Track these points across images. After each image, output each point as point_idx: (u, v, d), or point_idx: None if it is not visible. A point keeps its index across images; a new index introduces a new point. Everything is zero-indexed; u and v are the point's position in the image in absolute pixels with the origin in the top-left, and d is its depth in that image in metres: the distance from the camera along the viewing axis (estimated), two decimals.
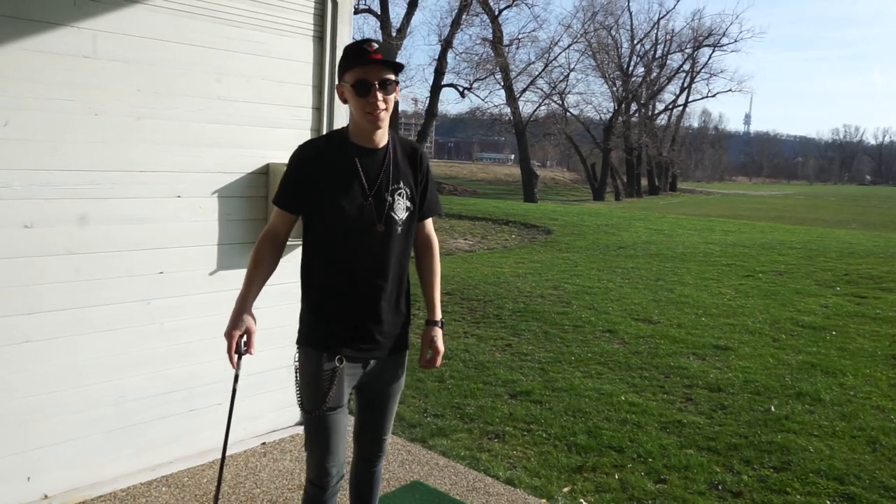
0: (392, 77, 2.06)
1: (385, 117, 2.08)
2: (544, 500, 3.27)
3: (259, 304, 3.54)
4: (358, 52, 2.03)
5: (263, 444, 3.59)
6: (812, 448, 3.91)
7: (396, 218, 2.16)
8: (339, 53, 3.66)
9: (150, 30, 3.00)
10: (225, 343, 2.10)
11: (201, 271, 3.29)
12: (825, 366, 5.39)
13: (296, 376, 2.22)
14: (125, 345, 3.06)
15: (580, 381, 4.99)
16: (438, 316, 2.38)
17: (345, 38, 3.70)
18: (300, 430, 3.74)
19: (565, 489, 3.42)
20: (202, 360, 3.32)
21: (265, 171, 3.47)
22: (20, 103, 2.67)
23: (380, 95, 2.02)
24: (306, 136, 3.62)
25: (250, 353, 2.13)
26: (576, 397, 4.68)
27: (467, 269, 9.56)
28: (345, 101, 2.11)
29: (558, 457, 3.79)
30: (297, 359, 2.22)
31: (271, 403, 3.66)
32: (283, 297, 3.70)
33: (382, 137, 2.14)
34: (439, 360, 2.38)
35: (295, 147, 2.18)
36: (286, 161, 3.44)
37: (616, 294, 8.01)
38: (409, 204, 2.19)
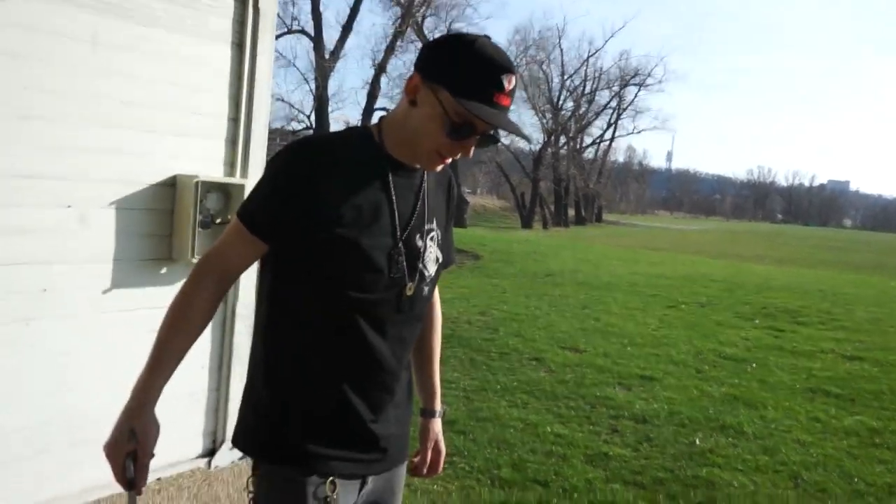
0: (495, 136, 1.45)
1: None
2: None
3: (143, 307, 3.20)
4: (487, 82, 1.32)
5: (158, 479, 3.26)
6: (736, 483, 3.85)
7: (427, 274, 1.50)
8: (260, 62, 3.44)
9: (43, 22, 2.70)
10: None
11: (92, 290, 2.97)
12: (747, 398, 5.41)
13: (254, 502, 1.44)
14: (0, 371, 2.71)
15: (506, 411, 4.83)
16: (440, 405, 1.76)
17: (266, 48, 3.48)
18: (201, 463, 3.43)
19: None
20: (90, 387, 2.97)
21: (172, 182, 3.19)
22: None
23: (472, 148, 1.40)
24: (220, 147, 3.37)
25: (138, 492, 1.36)
26: (501, 428, 4.51)
27: None
28: (412, 102, 1.37)
29: (481, 492, 3.60)
30: (254, 485, 1.43)
31: (169, 434, 3.31)
32: None
33: None
34: (442, 464, 1.77)
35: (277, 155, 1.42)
36: (194, 173, 3.25)
37: (543, 321, 7.94)
38: (439, 254, 1.53)
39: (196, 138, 3.28)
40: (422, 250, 1.47)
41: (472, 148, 1.39)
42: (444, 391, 5.14)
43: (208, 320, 1.43)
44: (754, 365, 6.44)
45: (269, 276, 1.43)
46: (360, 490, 1.48)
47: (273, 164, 1.40)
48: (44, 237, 2.80)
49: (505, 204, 58.27)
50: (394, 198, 1.41)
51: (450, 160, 1.42)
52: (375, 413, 1.45)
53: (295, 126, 30.87)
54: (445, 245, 1.57)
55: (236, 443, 1.51)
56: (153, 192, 3.13)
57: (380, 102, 30.93)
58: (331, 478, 1.40)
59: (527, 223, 43.58)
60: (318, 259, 1.36)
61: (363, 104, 30.77)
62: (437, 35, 30.32)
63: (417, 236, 1.46)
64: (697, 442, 4.44)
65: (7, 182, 2.67)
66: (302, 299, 1.40)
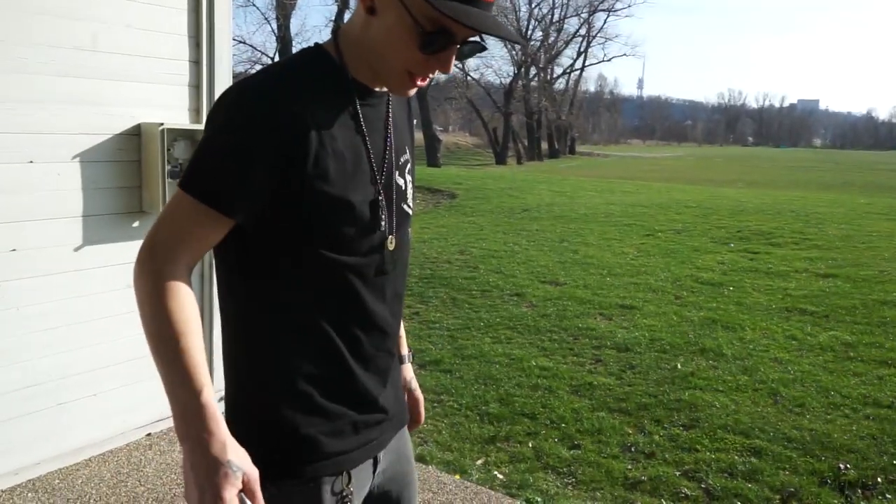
0: (481, 43, 1.15)
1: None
2: (457, 476, 3.12)
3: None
4: None
5: (148, 435, 3.25)
6: (718, 404, 3.94)
7: (410, 213, 1.29)
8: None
9: None
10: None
11: (64, 247, 2.89)
12: (725, 321, 5.50)
13: None
14: None
15: (490, 348, 4.88)
16: (406, 348, 1.51)
17: None
18: None
19: (479, 462, 3.29)
20: (69, 346, 2.93)
21: (136, 132, 3.07)
22: None
23: (451, 61, 1.12)
24: (183, 92, 3.24)
25: None
26: (486, 364, 4.56)
27: None
28: (370, 10, 1.10)
29: (470, 428, 3.65)
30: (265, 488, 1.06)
31: (156, 389, 3.30)
32: None
33: None
34: (423, 412, 1.54)
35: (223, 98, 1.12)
36: (159, 121, 3.12)
37: (522, 257, 7.96)
38: (413, 186, 1.31)
39: (158, 84, 3.14)
40: (403, 187, 1.26)
41: (452, 61, 1.12)
42: (429, 332, 5.21)
43: (195, 303, 1.09)
44: (731, 288, 6.54)
45: (232, 258, 1.15)
46: (374, 470, 1.30)
47: (225, 116, 1.09)
48: (8, 195, 2.69)
49: (478, 141, 57.85)
50: (366, 134, 1.17)
51: (426, 81, 1.17)
52: (384, 384, 1.27)
53: (258, 68, 30.01)
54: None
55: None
56: (118, 143, 3.02)
57: None
58: (342, 473, 1.20)
59: (501, 159, 43.38)
60: (303, 227, 1.10)
61: None
62: None
63: (396, 174, 1.24)
64: (679, 366, 4.52)
65: None
66: (285, 280, 1.14)
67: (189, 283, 1.08)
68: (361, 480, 1.25)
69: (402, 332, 1.48)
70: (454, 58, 1.12)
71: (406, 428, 1.41)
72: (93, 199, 2.96)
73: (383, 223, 1.18)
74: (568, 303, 6.02)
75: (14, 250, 2.73)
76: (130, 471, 2.96)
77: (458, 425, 3.68)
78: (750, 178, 28.72)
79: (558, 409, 3.87)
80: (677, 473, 3.21)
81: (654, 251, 8.33)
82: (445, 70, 1.13)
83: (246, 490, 0.97)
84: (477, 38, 1.12)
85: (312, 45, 1.20)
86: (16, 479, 2.79)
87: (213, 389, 1.01)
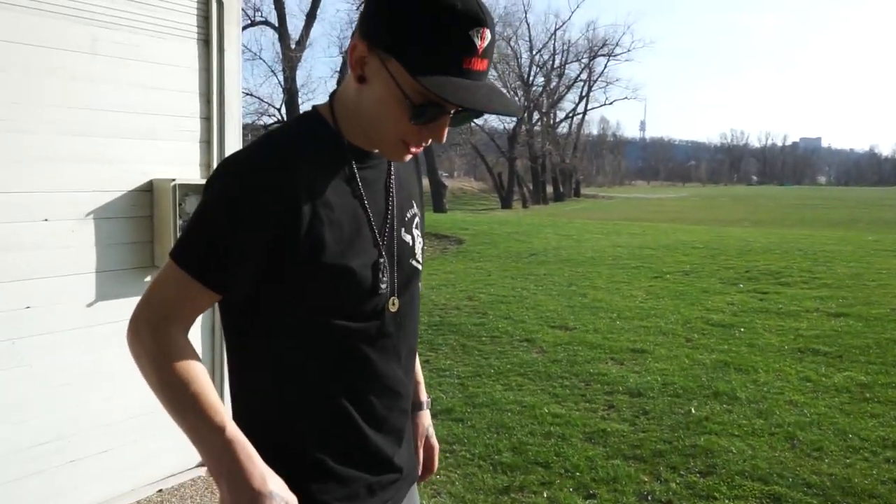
0: (476, 110, 1.08)
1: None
2: None
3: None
4: (455, 44, 1.00)
5: (160, 490, 3.22)
6: (734, 449, 3.88)
7: (419, 267, 1.28)
8: (228, 57, 3.37)
9: (2, 31, 2.61)
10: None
11: (77, 303, 2.91)
12: (738, 363, 5.45)
13: None
14: None
15: (501, 395, 4.83)
16: (425, 395, 1.50)
17: (233, 41, 3.41)
18: (202, 471, 3.39)
19: None
20: (79, 402, 2.93)
21: (148, 188, 3.12)
22: None
23: (445, 130, 1.10)
24: (194, 148, 3.31)
25: None
26: (498, 412, 4.51)
27: None
28: (360, 79, 1.08)
29: (483, 478, 3.59)
30: None
31: (167, 444, 3.29)
32: None
33: None
34: (437, 461, 1.52)
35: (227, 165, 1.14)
36: (171, 177, 3.17)
37: (531, 302, 7.94)
38: (421, 240, 1.30)
39: (169, 141, 3.21)
40: (410, 243, 1.25)
41: (446, 130, 1.10)
42: (440, 380, 5.17)
43: (192, 349, 1.11)
44: (742, 329, 6.49)
45: (234, 319, 1.16)
46: None
47: (218, 187, 1.08)
48: (23, 252, 2.73)
49: (483, 185, 58.30)
50: (364, 198, 1.16)
51: (420, 149, 1.15)
52: (399, 443, 1.26)
53: (266, 120, 30.53)
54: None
55: None
56: (131, 199, 3.07)
57: None
58: None
59: (506, 203, 43.64)
60: (299, 296, 1.10)
61: None
62: None
63: (402, 230, 1.23)
64: (693, 411, 4.47)
65: None
66: (288, 345, 1.14)
67: (186, 338, 1.10)
68: None
69: (420, 378, 1.47)
70: (450, 125, 1.10)
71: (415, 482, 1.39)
72: (106, 255, 2.99)
73: (383, 286, 1.17)
74: (578, 348, 5.98)
75: (28, 307, 2.75)
76: None
77: (472, 476, 3.63)
78: (756, 217, 28.76)
79: (572, 457, 3.81)
80: None
81: (663, 293, 8.30)
82: (438, 139, 1.11)
83: None
84: (469, 110, 1.07)
85: (310, 108, 1.21)
86: None
87: (234, 425, 1.02)
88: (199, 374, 1.05)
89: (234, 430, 1.00)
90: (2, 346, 2.69)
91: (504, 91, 1.14)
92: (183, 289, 1.08)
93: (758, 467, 3.64)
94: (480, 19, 1.00)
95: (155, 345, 1.07)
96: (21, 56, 2.67)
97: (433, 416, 4.50)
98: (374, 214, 1.17)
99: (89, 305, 2.95)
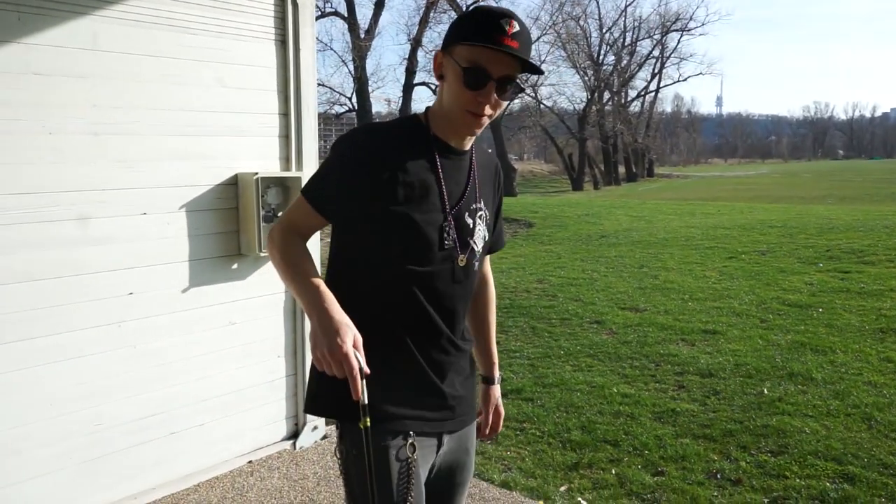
0: (516, 77, 1.49)
1: (485, 124, 1.53)
2: (541, 502, 3.19)
3: (236, 319, 3.42)
4: (488, 27, 1.42)
5: (250, 462, 3.48)
6: (808, 429, 3.86)
7: (476, 249, 1.62)
8: (304, 55, 3.56)
9: (103, 42, 2.86)
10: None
11: (173, 289, 3.17)
12: (814, 344, 5.36)
13: (343, 469, 1.55)
14: (97, 371, 2.93)
15: (571, 376, 4.92)
16: (498, 372, 1.91)
17: (308, 40, 3.59)
18: (286, 445, 3.63)
19: (562, 488, 3.35)
20: (179, 380, 3.20)
21: (234, 181, 3.35)
22: None
23: (493, 97, 1.46)
24: (274, 143, 3.52)
25: (366, 371, 1.37)
26: (567, 392, 4.61)
27: None
28: (440, 77, 1.52)
29: (553, 455, 3.71)
30: (339, 452, 1.56)
31: (255, 420, 3.55)
32: (262, 310, 3.59)
33: (470, 140, 1.61)
34: (501, 424, 1.92)
35: (336, 139, 1.57)
36: (254, 170, 3.40)
37: (601, 284, 7.95)
38: (486, 232, 1.65)
39: (252, 137, 3.42)
40: (471, 227, 1.59)
41: (494, 97, 1.46)
42: (510, 361, 5.31)
43: (307, 249, 1.55)
44: (820, 310, 6.35)
45: (334, 244, 1.59)
46: (438, 450, 1.62)
47: (335, 149, 1.54)
48: (126, 244, 3.00)
49: (553, 167, 57.71)
50: (441, 177, 1.54)
51: (485, 118, 1.49)
52: (440, 374, 1.59)
53: (338, 109, 31.20)
54: (495, 228, 1.73)
55: (310, 409, 1.61)
56: (218, 192, 3.30)
57: (418, 77, 30.99)
58: (410, 439, 1.51)
59: (577, 185, 43.11)
60: (375, 234, 1.49)
61: (402, 80, 30.83)
62: (469, 1, 29.68)
63: (466, 214, 1.58)
64: (765, 391, 4.45)
65: (89, 196, 2.87)
66: (363, 270, 1.53)
67: (302, 243, 1.55)
68: (425, 454, 1.57)
69: (495, 358, 1.90)
70: (498, 95, 1.46)
71: (473, 426, 1.74)
72: (197, 245, 3.24)
73: (447, 242, 1.54)
74: (649, 329, 5.99)
75: (131, 294, 3.02)
76: (235, 496, 3.18)
77: (541, 452, 3.75)
78: (841, 193, 27.54)
79: (641, 435, 3.88)
80: (766, 500, 3.18)
81: (737, 274, 8.16)
82: (490, 103, 1.46)
83: (356, 345, 1.36)
84: (514, 75, 1.47)
85: (413, 114, 1.66)
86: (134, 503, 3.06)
87: (326, 287, 1.44)
88: (305, 259, 1.51)
89: (324, 290, 1.42)
90: (110, 329, 2.97)
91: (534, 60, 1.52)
92: (303, 211, 1.55)
93: (832, 447, 3.62)
94: (509, 13, 1.45)
95: (281, 241, 1.53)
96: (121, 63, 2.92)
97: (503, 395, 4.65)
98: (447, 191, 1.54)
99: (184, 291, 3.21)
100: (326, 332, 1.35)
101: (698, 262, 9.09)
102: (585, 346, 5.60)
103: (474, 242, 1.60)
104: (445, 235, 1.53)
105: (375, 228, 1.49)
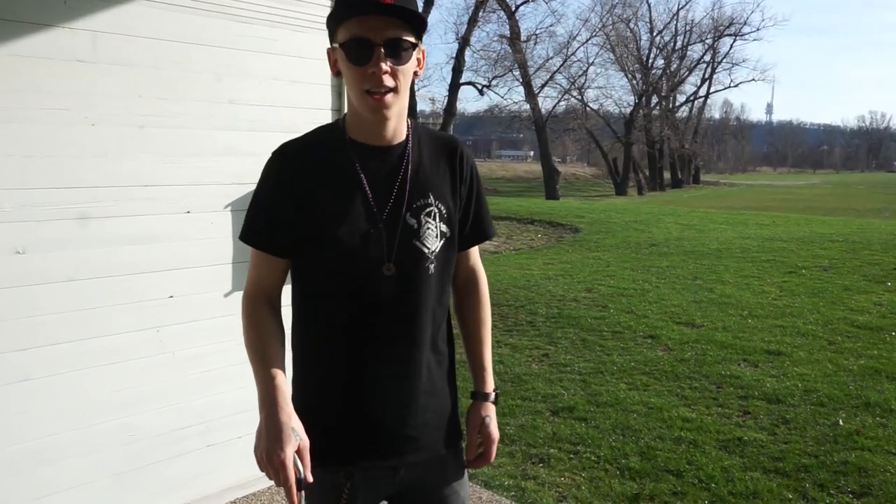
0: (408, 38, 1.34)
1: (393, 101, 1.36)
2: None
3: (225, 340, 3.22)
4: None
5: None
6: (892, 468, 3.52)
7: (426, 250, 1.44)
8: None
9: (150, 29, 2.71)
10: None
11: (216, 293, 3.00)
12: (890, 371, 4.98)
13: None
14: (134, 378, 2.77)
15: (626, 394, 4.64)
16: (491, 386, 1.62)
17: None
18: None
19: None
20: (219, 390, 3.02)
21: None
22: (7, 115, 2.39)
23: (385, 65, 1.31)
24: None
25: (308, 480, 1.29)
26: (623, 413, 4.33)
27: (495, 272, 9.23)
28: (338, 75, 1.41)
29: (611, 483, 3.45)
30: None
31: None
32: None
33: (397, 130, 1.44)
34: (493, 452, 1.61)
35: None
36: None
37: (654, 295, 7.62)
38: (444, 228, 1.47)
39: (302, 133, 3.23)
40: (416, 227, 1.44)
41: (389, 64, 1.32)
42: (560, 375, 5.04)
43: (277, 322, 1.45)
44: (894, 333, 5.94)
45: (292, 280, 1.52)
46: (395, 478, 1.50)
47: (260, 175, 1.47)
48: (168, 244, 2.83)
49: (597, 171, 56.99)
50: (365, 182, 1.41)
51: (389, 95, 1.35)
52: (395, 401, 1.45)
53: None
54: (468, 220, 1.54)
55: None
56: None
57: (465, 76, 30.68)
58: (345, 471, 1.43)
59: (621, 190, 42.42)
60: (305, 255, 1.42)
61: (448, 80, 30.61)
62: (518, 1, 29.31)
63: (408, 214, 1.43)
64: (841, 423, 4.11)
65: (129, 192, 2.71)
66: (301, 294, 1.48)
67: (271, 309, 1.45)
68: (371, 483, 1.47)
69: (488, 367, 1.64)
70: (385, 60, 1.32)
71: (452, 453, 1.57)
72: (241, 246, 3.05)
73: (372, 251, 1.41)
74: (707, 347, 5.67)
75: (172, 297, 2.86)
76: None
77: (598, 480, 3.49)
78: None
79: (706, 466, 3.59)
80: None
81: (798, 290, 7.75)
82: (380, 72, 1.32)
83: (299, 452, 1.29)
84: (403, 35, 1.33)
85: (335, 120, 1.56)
86: None
87: (285, 380, 1.37)
88: (270, 341, 1.40)
89: (280, 383, 1.34)
90: (149, 335, 2.81)
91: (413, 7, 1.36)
92: (254, 261, 1.47)
93: None
94: None
95: (246, 317, 1.45)
96: (169, 53, 2.76)
97: (555, 413, 4.38)
98: (374, 196, 1.42)
99: (226, 295, 3.03)
100: (268, 436, 1.28)
101: (755, 275, 8.69)
102: (640, 363, 5.31)
103: (422, 243, 1.44)
104: (373, 245, 1.41)
105: (305, 249, 1.42)
